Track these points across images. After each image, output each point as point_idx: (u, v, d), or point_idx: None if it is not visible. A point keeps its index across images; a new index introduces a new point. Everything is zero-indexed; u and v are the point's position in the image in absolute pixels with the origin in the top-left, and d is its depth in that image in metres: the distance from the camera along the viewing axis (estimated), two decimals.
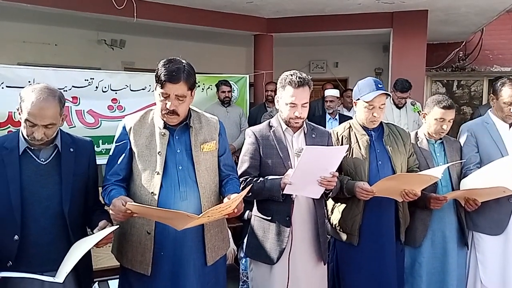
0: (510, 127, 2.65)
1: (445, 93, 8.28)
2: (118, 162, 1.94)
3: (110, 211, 1.76)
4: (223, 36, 6.73)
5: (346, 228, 2.40)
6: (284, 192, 2.08)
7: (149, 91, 4.44)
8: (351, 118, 2.62)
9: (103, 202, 1.97)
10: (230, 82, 5.25)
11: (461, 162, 2.61)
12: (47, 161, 1.83)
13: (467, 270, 2.70)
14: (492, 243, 2.59)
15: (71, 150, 1.88)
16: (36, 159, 1.81)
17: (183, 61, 1.91)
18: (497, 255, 2.58)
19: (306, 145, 2.22)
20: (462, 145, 2.68)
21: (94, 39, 7.04)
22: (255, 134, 2.27)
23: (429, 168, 2.49)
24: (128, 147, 1.94)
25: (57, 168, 1.83)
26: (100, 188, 2.04)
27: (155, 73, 1.89)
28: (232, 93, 5.27)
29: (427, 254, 2.55)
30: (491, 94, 2.71)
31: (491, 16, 6.05)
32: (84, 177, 1.92)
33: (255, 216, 2.33)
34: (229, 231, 2.62)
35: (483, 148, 2.62)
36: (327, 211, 2.56)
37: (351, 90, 3.57)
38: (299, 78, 2.16)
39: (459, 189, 2.54)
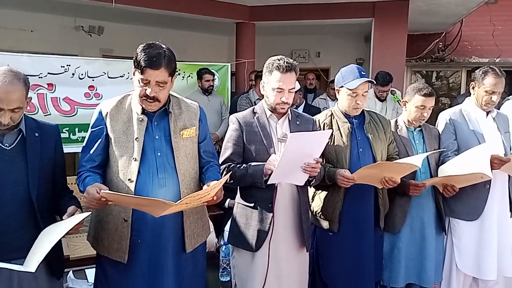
0: (487, 115, 2.69)
1: None
2: (94, 148, 1.89)
3: (84, 199, 1.71)
4: (204, 24, 6.64)
5: (327, 215, 2.41)
6: (269, 182, 2.07)
7: (127, 78, 4.34)
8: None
9: (78, 188, 1.91)
10: (212, 70, 5.20)
11: (439, 150, 2.64)
12: (12, 146, 1.76)
13: (444, 255, 2.75)
14: (467, 228, 2.64)
15: (36, 135, 1.82)
16: (0, 144, 1.74)
17: (163, 46, 1.86)
18: (472, 240, 2.64)
19: (290, 132, 2.21)
20: (440, 132, 2.71)
21: (71, 26, 6.84)
22: (238, 121, 2.24)
23: (409, 155, 2.52)
24: (104, 133, 1.89)
25: (22, 153, 1.77)
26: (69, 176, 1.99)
27: (133, 58, 1.84)
28: (214, 82, 5.21)
29: (406, 239, 2.58)
30: (472, 82, 2.73)
31: (471, 7, 6.13)
32: (50, 162, 1.86)
33: (238, 203, 2.32)
34: (209, 219, 2.60)
35: (460, 135, 2.66)
36: (308, 198, 2.56)
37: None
38: (286, 63, 2.14)
39: (437, 175, 2.57)
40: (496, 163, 2.41)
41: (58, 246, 1.88)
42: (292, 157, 1.99)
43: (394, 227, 2.56)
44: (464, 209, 2.63)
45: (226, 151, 2.24)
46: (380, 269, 2.58)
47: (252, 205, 2.22)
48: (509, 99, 3.05)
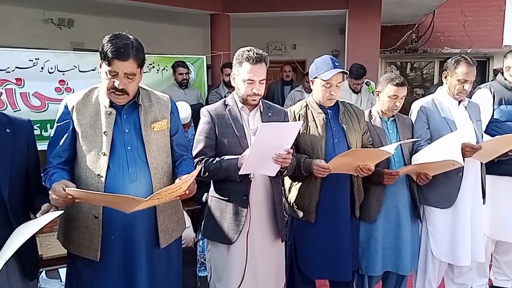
0: (459, 104, 2.72)
1: None
2: (60, 144, 1.82)
3: (50, 197, 1.65)
4: (179, 16, 6.53)
5: (304, 206, 2.41)
6: (240, 172, 2.04)
7: (99, 72, 4.24)
8: None
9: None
10: (187, 63, 5.12)
11: (413, 140, 2.67)
12: None
13: (420, 243, 2.79)
14: (442, 216, 2.68)
15: (7, 130, 1.74)
16: None
17: (130, 36, 1.80)
18: (447, 227, 2.68)
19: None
20: (413, 122, 2.74)
21: (40, 18, 6.63)
22: (210, 113, 2.21)
23: (382, 144, 2.53)
24: (71, 127, 1.83)
25: None
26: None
27: (100, 50, 1.77)
28: (190, 75, 5.14)
29: (382, 228, 2.60)
30: (445, 71, 2.76)
31: None
32: (23, 159, 1.78)
33: (212, 196, 2.29)
34: (185, 213, 2.56)
35: (433, 124, 2.68)
36: (285, 190, 2.56)
37: None
38: (256, 54, 2.11)
39: (411, 164, 2.59)
40: (468, 151, 2.46)
41: (32, 247, 1.84)
42: (263, 147, 1.97)
43: (369, 216, 2.57)
44: (438, 197, 2.67)
45: (199, 144, 2.20)
46: (357, 258, 2.60)
47: (226, 198, 2.20)
48: (480, 88, 3.10)
